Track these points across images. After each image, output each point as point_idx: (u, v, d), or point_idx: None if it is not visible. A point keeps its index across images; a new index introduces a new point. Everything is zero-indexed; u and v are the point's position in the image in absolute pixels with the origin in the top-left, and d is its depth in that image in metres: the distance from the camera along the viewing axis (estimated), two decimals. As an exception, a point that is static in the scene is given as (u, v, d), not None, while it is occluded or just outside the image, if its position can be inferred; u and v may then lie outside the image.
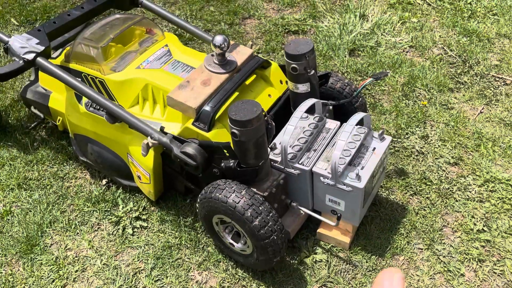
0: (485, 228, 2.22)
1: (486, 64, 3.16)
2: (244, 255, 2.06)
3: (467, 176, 2.45)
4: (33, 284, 2.13)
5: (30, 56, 2.21)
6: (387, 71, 3.12)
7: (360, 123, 2.12)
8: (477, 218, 2.26)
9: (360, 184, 1.93)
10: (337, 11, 3.71)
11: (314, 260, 2.14)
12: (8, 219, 2.39)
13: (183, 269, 2.16)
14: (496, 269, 2.08)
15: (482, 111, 2.84)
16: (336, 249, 2.17)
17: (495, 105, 2.87)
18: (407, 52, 3.32)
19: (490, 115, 2.80)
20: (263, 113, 1.88)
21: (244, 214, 1.85)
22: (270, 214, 1.89)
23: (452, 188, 2.40)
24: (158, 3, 3.89)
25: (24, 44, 2.22)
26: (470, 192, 2.38)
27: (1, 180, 2.57)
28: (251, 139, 1.87)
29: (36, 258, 2.23)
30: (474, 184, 2.41)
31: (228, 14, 3.72)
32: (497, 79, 3.06)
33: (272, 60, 2.99)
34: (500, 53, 3.25)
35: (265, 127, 1.92)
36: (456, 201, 2.34)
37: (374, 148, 2.07)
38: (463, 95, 2.94)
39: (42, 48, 2.24)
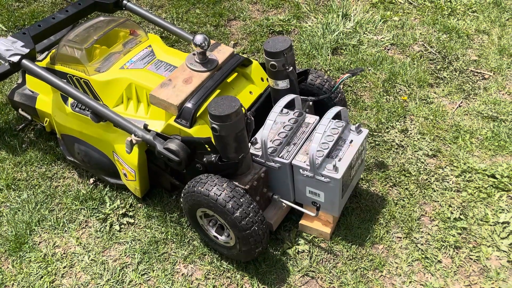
0: (461, 217, 2.28)
1: (465, 60, 3.24)
2: (228, 247, 2.11)
3: (445, 167, 2.52)
4: (22, 281, 2.18)
5: (16, 59, 2.26)
6: (363, 67, 3.19)
7: (339, 117, 2.19)
8: (454, 207, 2.33)
9: (338, 175, 1.99)
10: (321, 11, 3.79)
11: (296, 250, 2.20)
12: (-2, 219, 2.44)
13: (169, 262, 2.21)
14: (472, 255, 2.14)
15: (460, 104, 2.92)
16: (317, 240, 2.23)
17: (474, 99, 2.95)
18: (388, 49, 3.40)
19: (468, 108, 2.88)
20: (242, 108, 1.94)
21: (226, 206, 1.91)
22: (251, 206, 1.95)
23: (430, 179, 2.46)
24: (145, 7, 3.96)
25: (9, 46, 2.28)
26: (448, 182, 2.45)
27: (-10, 181, 2.63)
28: (231, 133, 1.93)
29: (25, 256, 2.28)
30: (451, 175, 2.48)
31: (213, 16, 3.79)
32: (475, 73, 3.14)
33: (256, 59, 3.06)
34: (479, 48, 3.34)
35: (244, 122, 1.98)
36: (434, 191, 2.41)
37: (351, 141, 2.14)
38: (443, 90, 3.02)
39: (27, 50, 2.29)
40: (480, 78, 3.12)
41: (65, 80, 2.32)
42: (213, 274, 2.16)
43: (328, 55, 3.32)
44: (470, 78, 3.10)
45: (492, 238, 2.19)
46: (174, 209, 2.43)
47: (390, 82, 3.08)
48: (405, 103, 2.93)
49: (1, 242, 2.33)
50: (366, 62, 3.25)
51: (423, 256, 2.14)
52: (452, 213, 2.30)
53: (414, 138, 2.69)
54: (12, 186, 2.58)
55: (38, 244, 2.33)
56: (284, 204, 2.21)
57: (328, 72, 3.20)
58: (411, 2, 3.86)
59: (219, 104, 1.91)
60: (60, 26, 2.51)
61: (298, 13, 3.78)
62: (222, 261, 2.19)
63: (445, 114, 2.84)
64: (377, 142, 2.68)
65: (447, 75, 3.13)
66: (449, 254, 2.15)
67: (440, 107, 2.89)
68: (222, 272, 2.16)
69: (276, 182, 2.18)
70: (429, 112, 2.85)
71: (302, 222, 2.25)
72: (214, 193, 1.94)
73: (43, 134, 2.87)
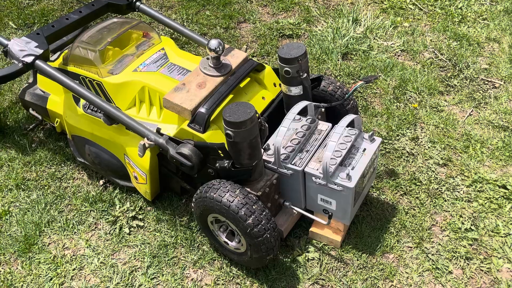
0: (472, 227, 2.28)
1: (476, 68, 3.23)
2: (238, 253, 2.11)
3: (455, 176, 2.52)
4: (31, 282, 2.18)
5: (29, 59, 2.25)
6: (377, 74, 3.19)
7: (351, 125, 2.18)
8: (465, 217, 2.32)
9: (351, 183, 1.99)
10: (331, 16, 3.78)
11: (306, 258, 2.19)
12: (7, 219, 2.44)
13: (178, 267, 2.21)
14: (483, 266, 2.14)
15: (471, 113, 2.91)
16: (328, 248, 2.23)
17: (484, 107, 2.94)
18: (398, 55, 3.39)
19: (479, 117, 2.87)
20: (257, 114, 1.94)
21: (238, 213, 1.91)
22: (263, 213, 1.94)
23: (441, 188, 2.46)
24: (155, 7, 3.95)
25: (23, 47, 2.27)
26: (459, 192, 2.44)
27: (0, 180, 2.62)
28: (245, 140, 1.93)
29: (34, 257, 2.27)
30: (462, 185, 2.47)
31: (223, 18, 3.78)
32: (486, 82, 3.14)
33: (266, 63, 3.06)
34: (490, 57, 3.33)
35: (258, 129, 1.97)
36: (445, 200, 2.40)
37: (365, 149, 2.13)
38: (453, 98, 3.01)
39: (41, 51, 2.29)
40: (491, 86, 3.11)
41: (77, 82, 2.32)
42: (222, 280, 2.15)
43: (338, 60, 3.32)
44: (481, 87, 3.10)
45: (503, 250, 2.18)
46: (184, 213, 2.42)
47: (400, 89, 3.07)
48: (416, 110, 2.92)
49: (11, 242, 2.33)
50: (376, 68, 3.24)
51: (434, 266, 2.14)
52: (463, 223, 2.29)
53: (425, 146, 2.69)
54: (22, 186, 2.58)
55: (48, 246, 2.32)
56: (295, 211, 2.21)
57: (338, 78, 3.20)
58: (422, 8, 3.85)
59: (234, 110, 1.90)
60: (73, 27, 2.50)
61: (308, 17, 3.77)
62: (231, 267, 2.19)
63: (455, 122, 2.84)
64: (387, 150, 2.68)
65: (458, 83, 3.12)
66: (460, 265, 2.14)
67: (451, 116, 2.88)
68: (231, 278, 2.15)
69: (287, 188, 2.17)
70: (440, 120, 2.85)
71: (312, 229, 2.25)
72: (227, 199, 1.93)
73: (52, 134, 2.87)
